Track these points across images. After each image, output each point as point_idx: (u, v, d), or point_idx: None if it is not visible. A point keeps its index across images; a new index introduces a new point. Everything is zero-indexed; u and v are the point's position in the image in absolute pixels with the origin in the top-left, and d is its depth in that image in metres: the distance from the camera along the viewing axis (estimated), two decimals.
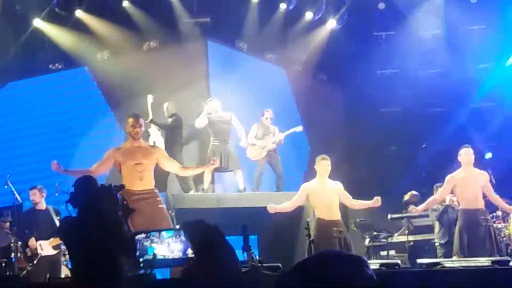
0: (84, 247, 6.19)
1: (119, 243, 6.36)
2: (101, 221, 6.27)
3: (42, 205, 12.02)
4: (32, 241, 11.66)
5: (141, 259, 6.91)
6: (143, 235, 6.94)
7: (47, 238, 11.67)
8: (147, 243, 6.91)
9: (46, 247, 11.63)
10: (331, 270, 2.79)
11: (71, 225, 6.45)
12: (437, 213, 12.58)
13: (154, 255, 6.90)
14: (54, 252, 11.67)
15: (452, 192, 11.54)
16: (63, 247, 11.70)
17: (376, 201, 11.04)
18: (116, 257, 6.31)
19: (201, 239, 5.30)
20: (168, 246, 6.96)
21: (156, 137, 14.33)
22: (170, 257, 7.00)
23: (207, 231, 5.32)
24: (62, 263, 11.99)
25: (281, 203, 13.01)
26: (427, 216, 13.22)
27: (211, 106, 14.11)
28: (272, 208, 11.20)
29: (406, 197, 14.20)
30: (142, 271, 6.97)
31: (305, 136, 16.47)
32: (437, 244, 12.52)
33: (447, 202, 12.29)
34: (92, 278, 6.06)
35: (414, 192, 14.22)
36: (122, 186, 7.10)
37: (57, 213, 11.92)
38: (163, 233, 7.11)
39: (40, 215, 11.90)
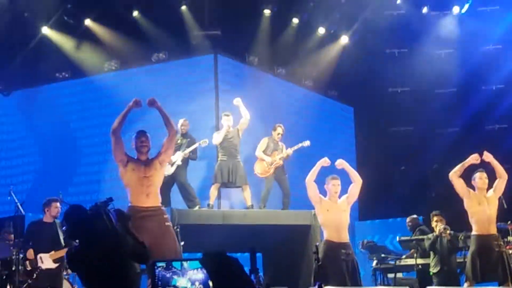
0: (92, 271, 6.16)
1: (128, 256, 6.31)
2: (102, 241, 6.21)
3: (51, 219, 11.84)
4: (30, 254, 11.47)
5: None
6: (163, 264, 6.83)
7: (49, 251, 11.51)
8: (168, 274, 6.80)
9: (46, 260, 11.44)
10: None
11: (76, 255, 6.42)
12: (429, 242, 12.50)
13: (175, 286, 6.81)
14: (54, 265, 11.47)
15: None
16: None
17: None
18: (125, 271, 6.25)
19: (221, 271, 5.20)
20: (189, 279, 6.84)
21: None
22: None
23: (227, 263, 5.21)
24: (64, 277, 11.82)
25: (288, 222, 12.96)
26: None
27: (230, 121, 13.90)
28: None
29: (409, 223, 14.14)
30: None
31: (314, 153, 16.30)
32: (431, 273, 12.41)
33: (436, 233, 12.23)
34: None
35: (413, 216, 14.20)
36: (110, 199, 6.99)
37: (63, 226, 11.71)
38: (185, 264, 6.99)
39: (45, 228, 11.73)
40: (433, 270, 12.34)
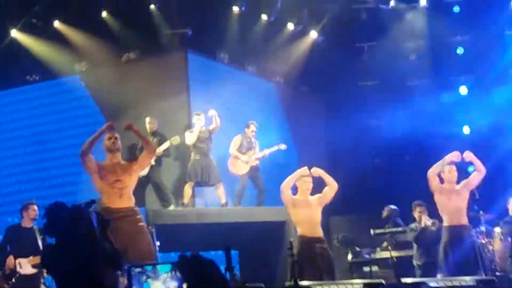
0: (66, 273, 6.12)
1: (103, 262, 6.30)
2: (79, 243, 6.20)
3: (30, 223, 11.78)
4: (10, 259, 11.42)
5: None
6: (139, 269, 6.83)
7: (27, 256, 11.45)
8: (142, 279, 6.80)
9: (25, 266, 11.40)
10: None
11: (52, 253, 6.39)
12: (414, 233, 12.55)
13: None
14: (33, 271, 11.43)
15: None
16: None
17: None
18: (101, 276, 6.24)
19: (196, 274, 5.21)
20: (164, 282, 6.84)
21: None
22: None
23: (201, 265, 5.23)
24: (42, 283, 11.76)
25: (263, 218, 13.01)
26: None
27: (201, 120, 13.95)
28: None
29: (384, 213, 14.17)
30: None
31: (288, 149, 16.36)
32: (415, 264, 12.48)
33: (422, 225, 12.27)
34: None
35: (392, 206, 14.19)
36: (93, 201, 6.99)
37: (42, 232, 11.64)
38: (158, 268, 7.00)
39: (24, 232, 11.67)
40: (417, 261, 12.41)
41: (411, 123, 17.33)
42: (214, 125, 13.92)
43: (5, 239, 11.77)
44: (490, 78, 17.74)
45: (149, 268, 6.93)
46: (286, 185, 10.74)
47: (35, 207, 11.74)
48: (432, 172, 11.11)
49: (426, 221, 12.19)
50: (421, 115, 17.56)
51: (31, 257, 11.39)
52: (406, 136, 17.52)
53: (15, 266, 11.36)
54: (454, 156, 11.07)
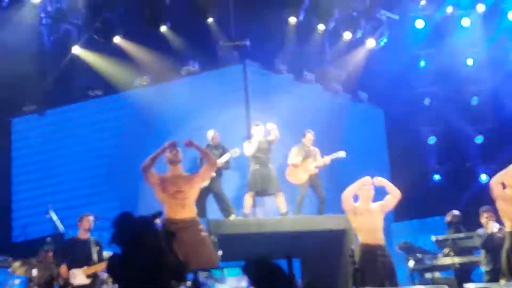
0: (132, 282, 6.20)
1: (168, 274, 6.38)
2: (146, 255, 6.27)
3: (85, 235, 11.99)
4: (63, 269, 11.58)
5: None
6: (206, 273, 6.92)
7: (81, 267, 11.61)
8: (210, 282, 6.88)
9: (79, 276, 11.54)
10: None
11: (119, 262, 6.48)
12: (481, 239, 12.41)
13: None
14: (87, 281, 11.58)
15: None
16: (102, 276, 11.72)
17: None
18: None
19: (263, 277, 5.29)
20: (230, 285, 6.91)
21: None
22: None
23: (268, 269, 5.31)
24: None
25: (324, 227, 13.03)
26: (472, 237, 13.05)
27: (260, 131, 14.01)
28: None
29: (448, 217, 14.05)
30: None
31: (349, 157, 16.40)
32: (483, 270, 12.36)
33: (489, 231, 12.14)
34: None
35: (455, 212, 14.06)
36: (159, 213, 7.10)
37: (97, 244, 11.87)
38: (225, 272, 7.07)
39: (79, 244, 11.86)
40: (485, 268, 12.27)
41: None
42: (273, 137, 13.97)
43: (61, 250, 11.99)
44: None
45: (216, 273, 7.00)
46: (348, 194, 10.76)
47: (90, 218, 11.94)
48: (495, 181, 10.98)
49: (493, 227, 12.05)
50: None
51: (85, 267, 11.57)
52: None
53: (68, 277, 11.52)
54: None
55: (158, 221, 6.72)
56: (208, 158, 10.44)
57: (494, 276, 11.80)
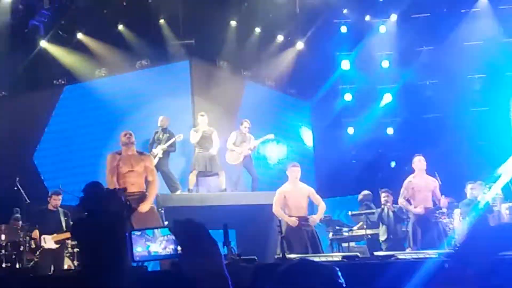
0: (94, 242, 6.22)
1: (122, 238, 6.42)
2: (109, 220, 6.29)
3: (52, 208, 11.91)
4: (35, 233, 11.58)
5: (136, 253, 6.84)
6: (138, 233, 6.89)
7: (51, 234, 11.58)
8: (142, 241, 6.85)
9: (49, 241, 11.51)
10: (305, 279, 2.65)
11: (83, 223, 6.52)
12: (376, 214, 12.79)
13: (148, 251, 6.85)
14: (56, 246, 11.56)
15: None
16: (68, 242, 11.71)
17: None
18: (121, 251, 6.33)
19: (187, 234, 5.33)
20: (161, 244, 6.88)
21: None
22: (163, 253, 6.92)
23: (193, 227, 5.35)
24: (65, 255, 11.89)
25: (256, 202, 13.14)
26: None
27: (204, 120, 14.02)
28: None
29: (360, 196, 14.43)
30: (135, 264, 6.94)
31: (277, 144, 16.55)
32: (380, 240, 12.65)
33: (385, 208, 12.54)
34: (100, 269, 6.08)
35: (365, 192, 14.43)
36: (125, 189, 7.21)
37: (65, 214, 11.83)
38: (157, 231, 7.04)
39: (49, 213, 11.82)
40: (381, 238, 12.59)
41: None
42: (215, 146, 13.99)
43: (33, 219, 11.95)
44: None
45: (149, 232, 6.94)
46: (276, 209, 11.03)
47: (58, 197, 11.90)
48: (401, 201, 11.56)
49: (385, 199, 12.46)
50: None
51: (54, 234, 11.54)
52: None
53: (40, 241, 11.49)
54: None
55: (121, 194, 6.77)
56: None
57: (389, 244, 12.15)
